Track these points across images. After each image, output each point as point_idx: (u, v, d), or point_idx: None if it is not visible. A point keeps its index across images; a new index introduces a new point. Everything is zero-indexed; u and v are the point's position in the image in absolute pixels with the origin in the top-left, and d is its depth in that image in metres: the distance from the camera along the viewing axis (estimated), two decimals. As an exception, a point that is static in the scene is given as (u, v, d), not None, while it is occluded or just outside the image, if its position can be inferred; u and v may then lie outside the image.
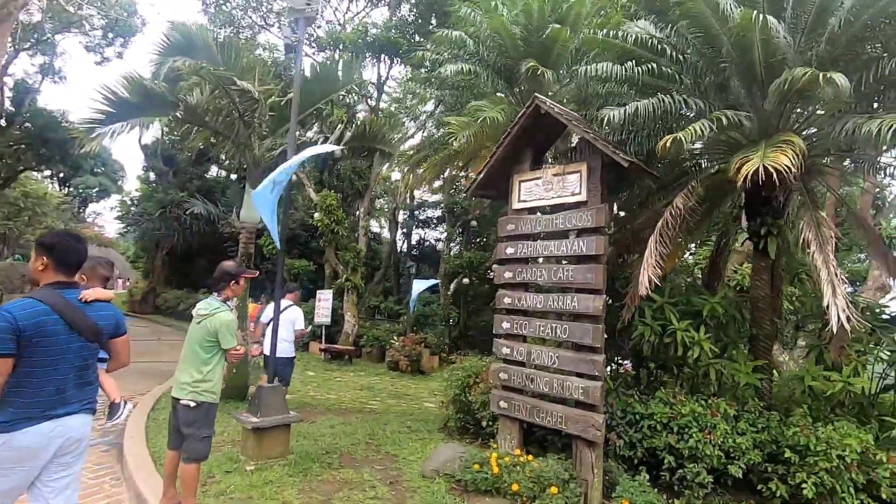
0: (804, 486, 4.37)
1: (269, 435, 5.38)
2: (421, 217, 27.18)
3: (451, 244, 19.59)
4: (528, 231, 5.30)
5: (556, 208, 5.15)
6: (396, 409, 8.92)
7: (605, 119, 4.78)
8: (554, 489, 4.28)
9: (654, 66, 4.79)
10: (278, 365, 6.26)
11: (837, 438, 4.39)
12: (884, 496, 4.26)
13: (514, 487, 4.45)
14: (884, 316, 5.53)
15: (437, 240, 28.38)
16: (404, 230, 26.79)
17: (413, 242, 27.06)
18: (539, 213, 5.38)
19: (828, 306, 3.68)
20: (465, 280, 18.05)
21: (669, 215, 4.50)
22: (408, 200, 26.52)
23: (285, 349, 6.71)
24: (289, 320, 6.80)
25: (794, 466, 4.52)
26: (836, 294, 3.65)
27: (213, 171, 29.16)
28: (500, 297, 5.47)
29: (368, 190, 17.23)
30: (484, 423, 6.16)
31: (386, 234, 30.03)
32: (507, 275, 5.42)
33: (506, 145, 5.44)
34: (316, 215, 14.92)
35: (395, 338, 15.53)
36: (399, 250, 27.07)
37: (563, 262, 5.15)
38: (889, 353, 5.00)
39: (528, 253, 5.27)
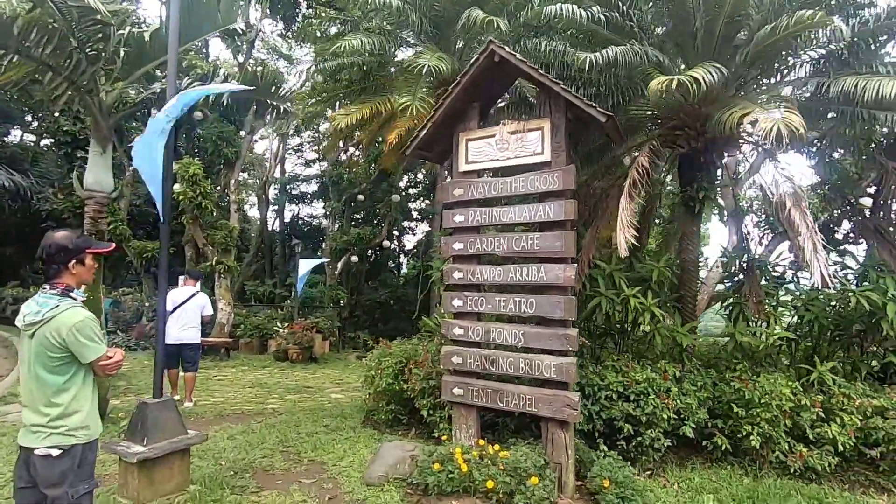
0: (751, 437, 4.59)
1: (162, 466, 4.08)
2: (294, 192, 24.96)
3: (337, 220, 18.20)
4: (482, 196, 4.71)
5: (513, 170, 4.63)
6: (303, 405, 7.82)
7: (582, 64, 4.33)
8: (534, 479, 3.85)
9: (618, 15, 4.47)
10: (190, 350, 6.95)
11: (774, 390, 4.67)
12: (810, 437, 4.65)
13: (489, 484, 3.94)
14: (775, 273, 6.14)
15: (313, 216, 26.46)
16: (276, 207, 24.39)
17: (287, 220, 24.77)
18: (490, 175, 4.81)
19: (808, 262, 3.75)
20: (354, 258, 16.99)
21: (637, 173, 4.26)
22: (278, 174, 24.13)
23: (193, 335, 7.10)
24: (197, 305, 7.14)
25: (740, 420, 4.72)
26: (817, 250, 3.74)
27: (16, 135, 23.16)
28: (448, 272, 4.83)
29: (239, 159, 15.02)
30: (424, 413, 5.53)
31: (253, 212, 27.12)
32: (457, 246, 4.78)
33: (452, 99, 4.73)
34: (176, 187, 12.48)
35: (280, 325, 13.98)
36: (270, 228, 24.64)
37: (525, 229, 4.67)
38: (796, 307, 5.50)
39: (482, 221, 4.69)
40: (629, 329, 5.44)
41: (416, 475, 4.28)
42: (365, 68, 8.45)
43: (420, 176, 22.65)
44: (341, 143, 17.12)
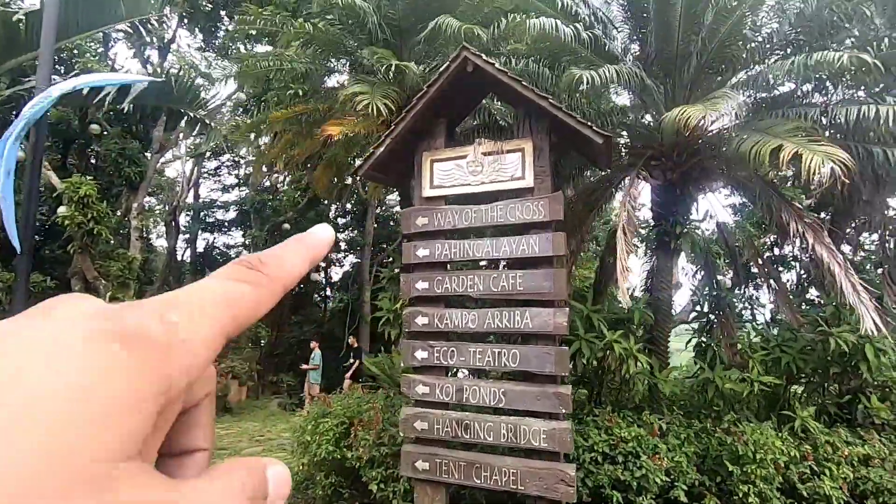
0: (749, 497, 4.13)
1: None
2: (210, 220, 22.80)
3: (257, 249, 16.57)
4: (450, 226, 3.99)
5: (488, 197, 3.97)
6: (214, 476, 6.40)
7: (577, 82, 3.81)
8: (529, 584, 3.05)
9: (601, 36, 4.07)
10: None
11: (766, 443, 4.28)
12: (803, 493, 4.29)
13: None
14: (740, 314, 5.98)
15: (230, 246, 24.27)
16: (187, 235, 22.06)
17: (200, 249, 22.45)
18: (459, 203, 4.13)
19: (852, 304, 3.43)
20: (278, 292, 15.43)
21: (630, 207, 3.77)
22: (191, 199, 21.93)
23: None
24: None
25: (733, 477, 4.26)
26: (858, 291, 3.42)
27: None
28: (410, 317, 4.00)
29: (145, 180, 13.19)
30: (373, 488, 4.54)
31: (160, 241, 24.36)
32: (421, 285, 3.99)
33: (416, 114, 4.03)
34: (61, 209, 10.53)
35: (188, 370, 12.10)
36: (180, 259, 22.16)
37: (507, 266, 4.00)
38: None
39: (451, 255, 3.95)
40: (606, 377, 4.89)
41: (373, 585, 3.30)
42: (299, 90, 7.58)
43: (349, 206, 21.65)
44: (266, 167, 15.82)
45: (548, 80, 4.67)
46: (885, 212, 4.52)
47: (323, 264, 21.04)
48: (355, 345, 11.95)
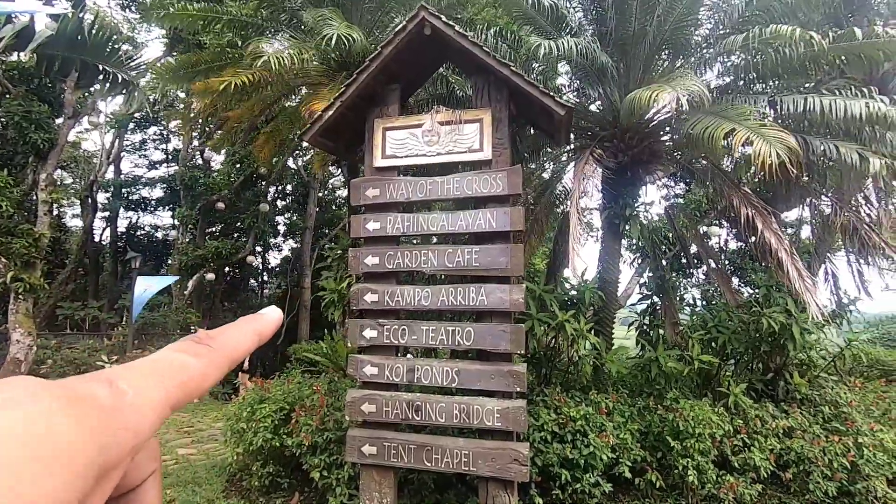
0: (688, 471, 4.27)
1: None
2: (133, 197, 21.01)
3: (189, 231, 15.46)
4: (403, 198, 3.77)
5: (444, 169, 3.79)
6: (135, 471, 5.84)
7: (535, 49, 3.67)
8: (481, 567, 2.95)
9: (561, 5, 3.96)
10: None
11: (703, 418, 4.45)
12: (735, 464, 4.50)
13: (423, 581, 2.93)
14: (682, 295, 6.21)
15: (156, 227, 22.54)
16: (106, 213, 20.21)
17: (121, 230, 20.65)
18: (413, 174, 3.92)
19: (797, 289, 3.53)
20: (210, 275, 14.51)
21: (582, 184, 3.72)
22: (111, 174, 20.07)
23: None
24: None
25: (673, 452, 4.39)
26: (803, 277, 3.55)
27: None
28: (358, 294, 3.76)
29: (55, 149, 11.82)
30: (315, 476, 4.28)
31: (76, 221, 22.17)
32: (371, 260, 3.75)
33: (368, 76, 3.76)
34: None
35: (107, 358, 11.12)
36: (98, 240, 20.29)
37: (463, 241, 3.84)
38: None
39: (403, 229, 3.73)
40: (556, 357, 4.89)
41: (316, 578, 3.08)
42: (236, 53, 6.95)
43: (290, 188, 20.72)
44: (197, 132, 14.67)
45: (506, 55, 4.54)
46: (819, 199, 4.81)
47: (259, 248, 20.06)
48: None
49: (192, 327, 11.56)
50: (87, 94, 13.36)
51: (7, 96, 11.88)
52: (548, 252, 11.89)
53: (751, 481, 4.41)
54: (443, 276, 3.85)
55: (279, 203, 20.83)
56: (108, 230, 20.62)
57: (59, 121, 12.73)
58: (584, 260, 3.48)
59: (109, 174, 20.17)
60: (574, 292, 4.91)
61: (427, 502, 4.03)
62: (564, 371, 4.96)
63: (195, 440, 7.36)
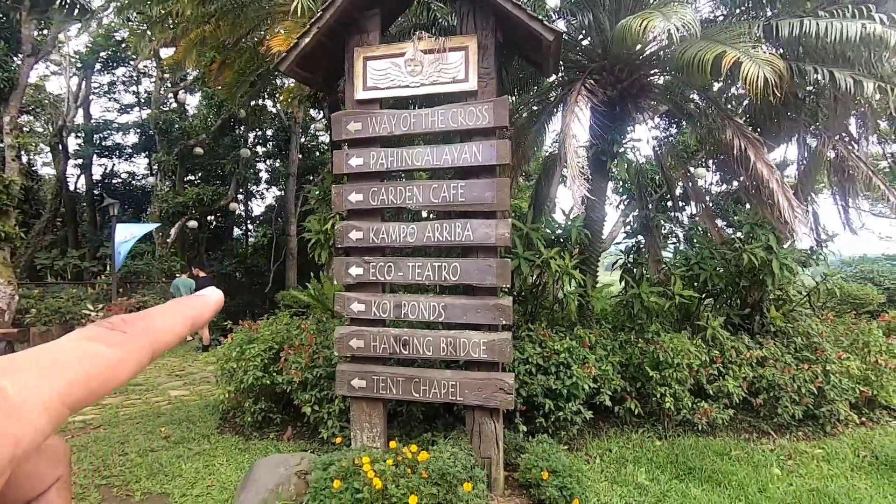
0: (665, 399, 4.47)
1: None
2: (107, 143, 20.18)
3: (168, 178, 15.01)
4: (386, 132, 3.64)
5: (428, 101, 3.65)
6: (130, 412, 5.98)
7: None
8: (468, 486, 3.10)
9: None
10: None
11: (682, 349, 4.61)
12: (709, 392, 4.73)
13: (412, 500, 3.07)
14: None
15: (133, 175, 21.81)
16: (80, 161, 19.45)
17: (97, 177, 19.97)
18: (397, 106, 3.77)
19: (787, 219, 3.55)
20: (192, 223, 14.26)
21: (576, 114, 3.62)
22: (80, 119, 19.13)
23: None
24: None
25: (652, 382, 4.58)
26: (794, 207, 3.56)
27: None
28: (343, 231, 3.71)
29: (16, 89, 11.15)
30: (307, 410, 4.40)
31: (46, 170, 21.33)
32: (355, 197, 3.67)
33: (345, 1, 3.52)
34: None
35: (92, 306, 11.06)
36: (74, 189, 19.64)
37: (448, 177, 3.76)
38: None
39: (388, 164, 3.63)
40: (541, 295, 4.97)
41: (311, 500, 3.22)
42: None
43: (270, 133, 20.02)
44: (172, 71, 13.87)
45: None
46: (808, 131, 4.77)
47: (242, 196, 19.64)
48: (201, 275, 10.04)
49: (177, 274, 11.43)
50: (45, 29, 12.46)
51: (-42, 32, 11.05)
52: (532, 195, 11.82)
53: (723, 407, 4.65)
54: (429, 213, 3.80)
55: (260, 149, 20.20)
56: (82, 178, 19.92)
57: (17, 60, 11.95)
58: (587, 194, 3.41)
59: (79, 119, 19.26)
60: (560, 231, 4.92)
61: (416, 433, 4.18)
62: (550, 308, 5.06)
63: (187, 382, 7.49)
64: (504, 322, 3.42)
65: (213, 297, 0.33)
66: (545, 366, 4.37)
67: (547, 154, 7.83)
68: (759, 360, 4.94)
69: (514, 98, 7.10)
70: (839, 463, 4.10)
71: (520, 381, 4.29)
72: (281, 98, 11.32)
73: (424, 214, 4.59)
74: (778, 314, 5.39)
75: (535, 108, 7.38)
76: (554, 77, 6.06)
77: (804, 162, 5.41)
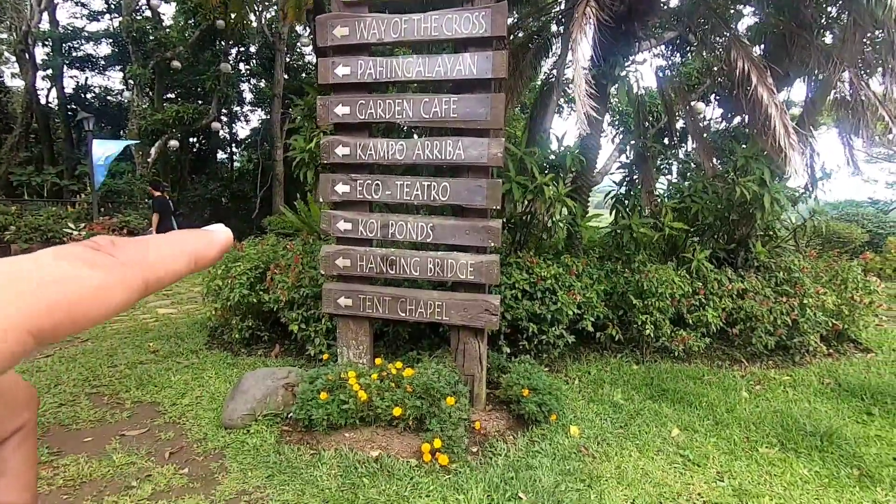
0: (645, 326, 4.59)
1: None
2: (78, 54, 18.88)
3: (145, 93, 14.22)
4: (376, 39, 3.38)
5: (421, 6, 3.35)
6: (116, 327, 6.02)
7: None
8: (450, 400, 3.20)
9: None
10: None
11: (667, 280, 4.67)
12: (689, 321, 4.85)
13: (396, 412, 3.18)
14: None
15: (109, 90, 20.64)
16: (48, 72, 18.26)
17: (69, 91, 18.85)
18: (388, 11, 3.47)
19: (782, 146, 3.44)
20: (174, 142, 13.72)
21: (585, 23, 3.37)
22: (46, 26, 17.70)
23: None
24: None
25: (635, 310, 4.67)
26: (790, 134, 3.44)
27: None
28: (329, 146, 3.54)
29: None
30: (294, 328, 4.44)
31: (15, 82, 20.04)
32: (342, 110, 3.48)
33: None
34: None
35: (73, 225, 10.86)
36: (47, 102, 18.60)
37: (440, 91, 3.55)
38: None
39: (377, 75, 3.41)
40: (531, 222, 4.92)
41: (297, 410, 3.31)
42: None
43: (253, 49, 18.82)
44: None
45: None
46: (818, 61, 4.55)
47: (225, 118, 18.83)
48: (155, 194, 8.92)
49: (156, 193, 11.09)
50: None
51: None
52: (527, 123, 11.50)
53: (701, 335, 4.80)
54: (418, 129, 3.63)
55: (243, 67, 19.13)
56: (53, 91, 18.81)
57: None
58: (591, 111, 3.24)
59: (45, 26, 17.84)
60: (554, 157, 4.78)
61: (401, 352, 4.27)
62: (539, 236, 5.03)
63: (174, 301, 7.52)
64: (493, 244, 3.38)
65: (220, 234, 0.29)
66: (531, 291, 4.41)
67: (543, 80, 7.48)
68: (740, 293, 5.04)
69: (512, 17, 6.68)
70: (804, 389, 4.31)
71: (505, 306, 4.34)
72: (273, 20, 10.52)
73: (414, 133, 4.41)
74: (763, 249, 5.44)
75: (533, 27, 6.96)
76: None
77: (810, 95, 5.22)
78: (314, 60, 17.95)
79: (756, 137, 4.97)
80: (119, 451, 3.16)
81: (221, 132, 18.18)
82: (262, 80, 19.21)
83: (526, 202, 4.46)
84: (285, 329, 4.67)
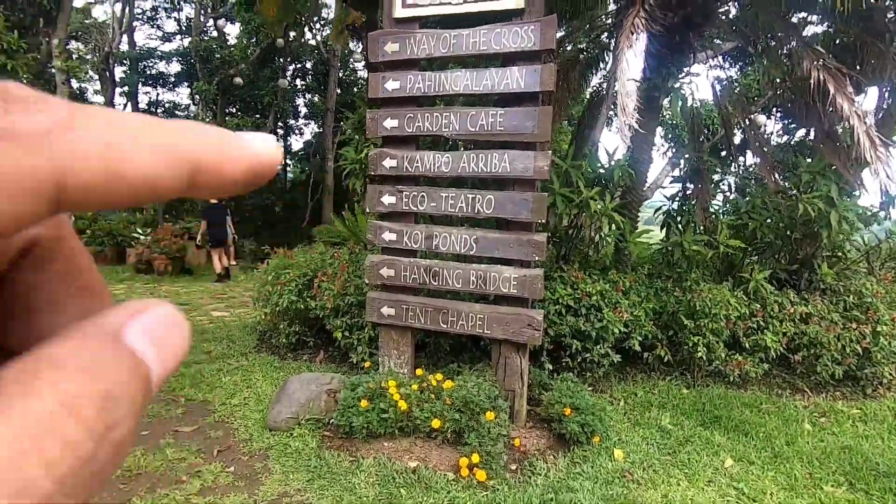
0: (697, 348, 4.37)
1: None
2: (151, 72, 20.38)
3: (209, 108, 15.13)
4: (425, 54, 3.45)
5: (470, 20, 3.40)
6: (175, 327, 6.33)
7: None
8: (490, 415, 3.16)
9: None
10: None
11: (721, 300, 4.44)
12: (745, 345, 4.58)
13: (435, 424, 3.17)
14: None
15: (177, 105, 22.13)
16: (125, 88, 19.78)
17: (142, 106, 20.35)
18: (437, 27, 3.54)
19: (868, 159, 3.27)
20: (233, 155, 14.44)
21: (631, 33, 3.31)
22: (125, 46, 19.25)
23: None
24: None
25: (686, 331, 4.47)
26: (876, 147, 3.26)
27: None
28: (377, 159, 3.63)
29: (63, 13, 11.22)
30: (338, 336, 4.54)
31: (96, 98, 21.84)
32: (390, 123, 3.56)
33: None
34: (-38, 39, 8.93)
35: (141, 230, 11.61)
36: (121, 116, 20.11)
37: (487, 104, 3.58)
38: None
39: (425, 89, 3.47)
40: (577, 237, 4.82)
41: (339, 416, 3.37)
42: None
43: (309, 65, 19.68)
44: None
45: None
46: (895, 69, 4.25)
47: (281, 131, 19.72)
48: (211, 201, 9.50)
49: (212, 200, 11.64)
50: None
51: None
52: (574, 135, 11.34)
53: (758, 361, 4.51)
54: (463, 142, 3.67)
55: (299, 82, 20.01)
56: (129, 106, 20.36)
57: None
58: (635, 126, 3.18)
59: (124, 46, 19.40)
60: (602, 171, 4.68)
61: (442, 363, 4.27)
62: (584, 250, 4.92)
63: (228, 305, 7.87)
64: (537, 258, 3.34)
65: (256, 141, 0.19)
66: (576, 307, 4.31)
67: (592, 91, 7.38)
68: (803, 317, 4.72)
69: (561, 31, 6.65)
70: (876, 424, 3.96)
71: (549, 321, 4.25)
72: (330, 32, 11.02)
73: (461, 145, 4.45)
74: (830, 271, 5.07)
75: (581, 44, 6.92)
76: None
77: (885, 106, 4.87)
78: (365, 75, 18.56)
79: (824, 151, 4.68)
80: (172, 447, 3.31)
81: (278, 143, 18.99)
82: (316, 95, 20.02)
83: (571, 216, 4.38)
84: (330, 336, 4.77)
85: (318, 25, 17.39)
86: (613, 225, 4.47)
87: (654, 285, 4.85)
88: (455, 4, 3.37)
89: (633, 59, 3.68)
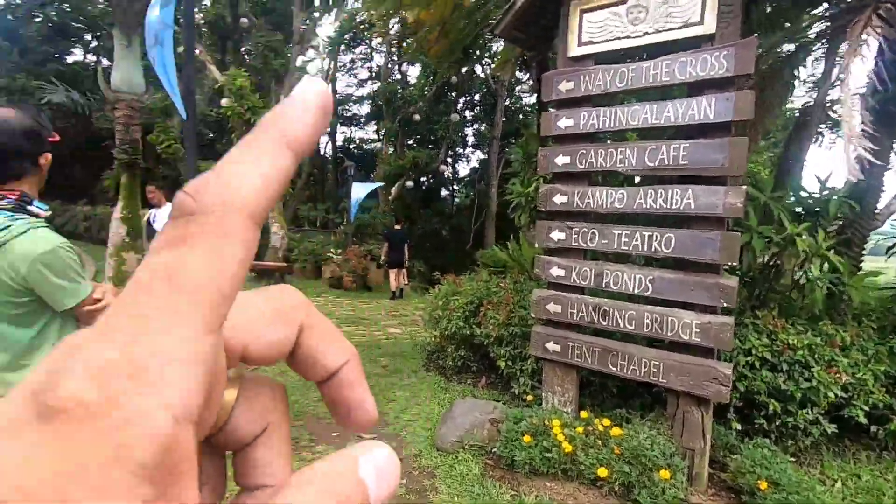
0: (957, 431, 3.39)
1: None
2: (347, 114, 23.85)
3: (391, 142, 17.03)
4: (600, 90, 3.41)
5: (650, 51, 3.27)
6: (357, 338, 7.20)
7: None
8: (665, 473, 2.89)
9: None
10: None
11: None
12: None
13: (602, 472, 3.02)
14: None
15: (365, 140, 25.42)
16: (328, 129, 23.40)
17: (339, 143, 23.85)
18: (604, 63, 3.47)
19: None
20: (409, 183, 15.99)
21: (858, 52, 2.81)
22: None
23: None
24: None
25: (937, 406, 3.50)
26: None
27: (78, 55, 22.98)
28: (547, 195, 3.67)
29: (289, 72, 13.88)
30: (501, 364, 4.64)
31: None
32: (562, 160, 3.58)
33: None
34: (224, 101, 11.65)
35: (334, 251, 13.47)
36: (322, 152, 23.90)
37: (665, 137, 3.40)
38: None
39: (599, 125, 3.42)
40: (776, 278, 4.17)
41: (501, 447, 3.43)
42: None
43: (477, 97, 20.86)
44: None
45: None
46: None
47: (450, 159, 21.20)
48: (395, 227, 12.06)
49: (396, 226, 12.85)
50: (308, 20, 15.07)
51: (253, 29, 14.14)
52: (773, 158, 9.90)
53: None
54: (639, 178, 3.49)
55: (468, 114, 21.32)
56: (329, 145, 24.08)
57: (289, 48, 14.79)
58: (865, 155, 2.69)
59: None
60: (811, 202, 3.99)
61: (608, 405, 4.04)
62: (786, 294, 4.21)
63: (401, 322, 8.64)
64: (725, 304, 2.99)
65: (307, 91, 0.21)
66: (774, 361, 3.70)
67: (794, 104, 6.37)
68: None
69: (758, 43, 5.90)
70: None
71: (737, 374, 3.73)
72: (494, 65, 11.66)
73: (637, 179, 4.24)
74: None
75: (782, 53, 6.05)
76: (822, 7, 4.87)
77: None
78: (531, 102, 18.92)
79: None
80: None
81: (446, 172, 20.45)
82: (483, 124, 21.08)
83: (769, 255, 3.81)
84: (493, 363, 4.90)
85: (486, 59, 18.40)
86: (827, 265, 3.75)
87: (888, 342, 3.91)
88: (634, 37, 3.28)
89: (860, 72, 3.11)
